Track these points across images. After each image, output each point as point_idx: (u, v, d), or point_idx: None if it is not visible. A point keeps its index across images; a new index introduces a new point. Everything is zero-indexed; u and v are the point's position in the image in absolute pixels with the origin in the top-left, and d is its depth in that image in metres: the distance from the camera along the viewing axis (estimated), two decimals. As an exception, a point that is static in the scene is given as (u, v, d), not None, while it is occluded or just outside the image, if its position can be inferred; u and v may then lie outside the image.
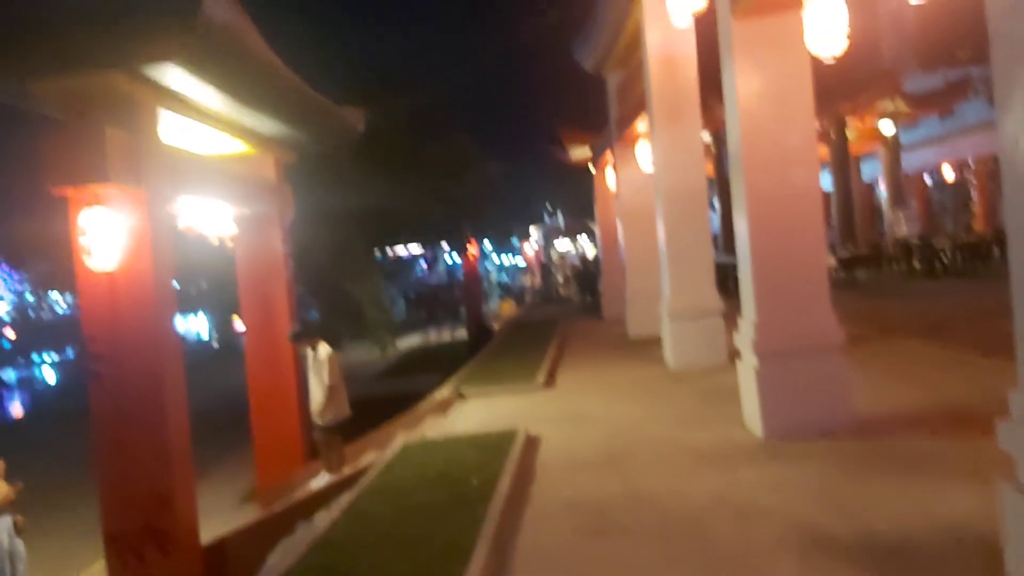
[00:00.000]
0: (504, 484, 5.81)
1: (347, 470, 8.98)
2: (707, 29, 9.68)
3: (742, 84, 6.65)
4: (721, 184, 23.88)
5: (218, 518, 9.08)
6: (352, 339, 17.49)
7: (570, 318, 20.49)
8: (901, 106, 23.28)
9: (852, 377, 6.69)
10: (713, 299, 10.60)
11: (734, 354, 9.00)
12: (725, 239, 23.13)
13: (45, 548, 11.22)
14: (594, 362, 12.22)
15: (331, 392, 8.98)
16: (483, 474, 6.21)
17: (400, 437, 8.97)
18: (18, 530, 8.81)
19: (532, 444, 7.30)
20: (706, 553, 4.40)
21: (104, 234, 6.75)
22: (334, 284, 15.12)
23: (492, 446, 7.11)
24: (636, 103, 12.91)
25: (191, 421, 7.59)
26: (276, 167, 11.25)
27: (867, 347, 9.63)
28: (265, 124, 9.70)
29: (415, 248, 35.27)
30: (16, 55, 6.58)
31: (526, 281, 39.73)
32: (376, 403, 16.54)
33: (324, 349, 9.01)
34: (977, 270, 20.17)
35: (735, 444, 6.58)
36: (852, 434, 6.33)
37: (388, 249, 24.56)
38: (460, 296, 31.35)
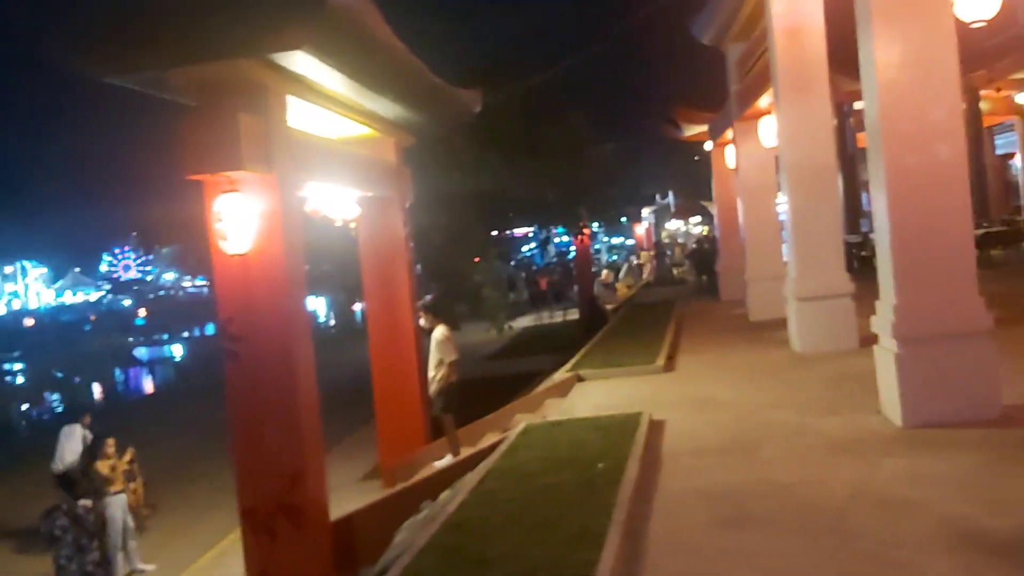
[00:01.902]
0: (632, 469, 5.72)
1: (467, 452, 9.09)
2: (836, -3, 9.28)
3: (881, 54, 6.28)
4: (844, 160, 22.90)
5: (342, 494, 9.33)
6: (469, 319, 17.66)
7: (686, 300, 20.12)
8: (1041, 74, 21.66)
9: (999, 364, 6.28)
10: (843, 279, 10.16)
11: (865, 338, 8.64)
12: (848, 217, 22.20)
13: (176, 520, 11.88)
14: (714, 345, 11.95)
15: (452, 367, 9.19)
16: (609, 458, 6.14)
17: (521, 419, 9.02)
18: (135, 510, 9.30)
19: (657, 428, 7.18)
20: (850, 548, 4.20)
21: (238, 219, 6.96)
22: (452, 265, 15.30)
23: (616, 429, 7.02)
24: (759, 76, 12.48)
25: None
26: (396, 150, 11.40)
27: (1009, 331, 9.00)
28: (387, 108, 9.82)
29: (527, 229, 35.34)
30: (153, 46, 6.84)
31: (640, 264, 39.16)
32: (491, 383, 16.72)
33: (441, 329, 9.15)
34: None
35: (871, 432, 6.29)
36: (998, 424, 5.97)
37: (505, 230, 24.64)
38: (573, 278, 31.29)
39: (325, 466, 7.78)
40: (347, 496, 9.32)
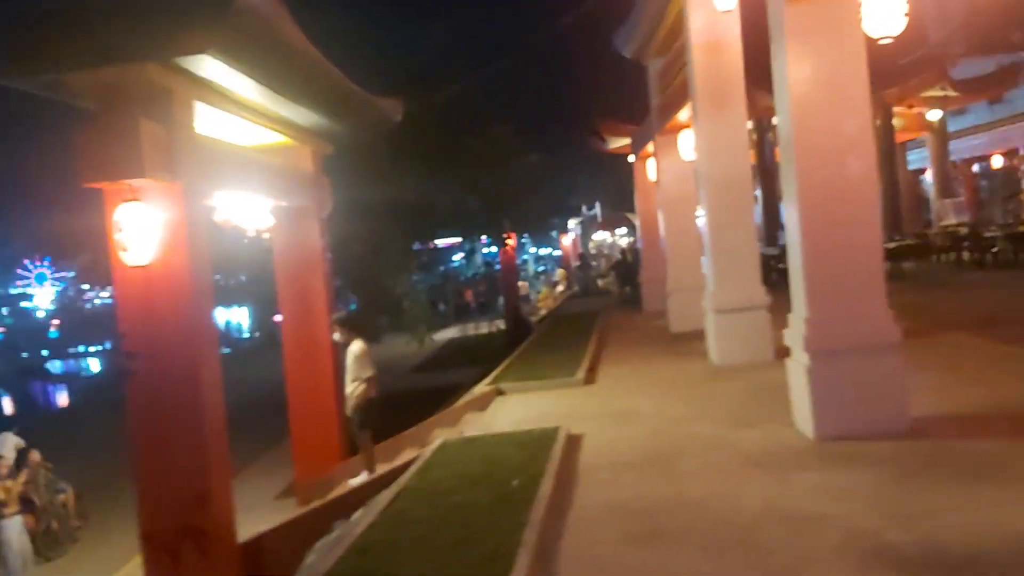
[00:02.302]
0: (546, 486, 5.62)
1: (384, 468, 8.88)
2: (751, 12, 9.41)
3: (794, 69, 6.35)
4: (763, 173, 23.40)
5: (256, 513, 9.03)
6: (389, 332, 17.39)
7: (609, 311, 20.23)
8: (949, 92, 22.57)
9: (908, 377, 6.39)
10: (759, 292, 10.29)
11: (780, 350, 8.73)
12: (767, 230, 22.65)
13: (89, 540, 11.37)
14: (635, 357, 11.98)
15: (370, 382, 8.96)
16: (524, 474, 6.03)
17: (439, 434, 8.86)
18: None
19: (574, 443, 7.10)
20: (762, 565, 4.17)
21: (139, 229, 6.65)
22: (372, 277, 15.04)
23: (533, 445, 6.92)
24: (678, 91, 12.61)
25: (229, 415, 7.51)
26: (313, 159, 11.14)
27: (918, 342, 9.23)
28: (302, 115, 9.58)
29: (451, 240, 35.08)
30: (50, 46, 6.50)
31: (556, 281, 39.05)
32: (414, 396, 16.51)
33: (358, 343, 8.93)
34: (1029, 261, 19.52)
35: (785, 445, 6.32)
36: (908, 436, 6.04)
37: (427, 242, 24.39)
38: (496, 289, 31.18)
39: (231, 487, 7.50)
40: (262, 515, 8.99)
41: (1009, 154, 30.64)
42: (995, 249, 19.62)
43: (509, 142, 20.87)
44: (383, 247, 14.82)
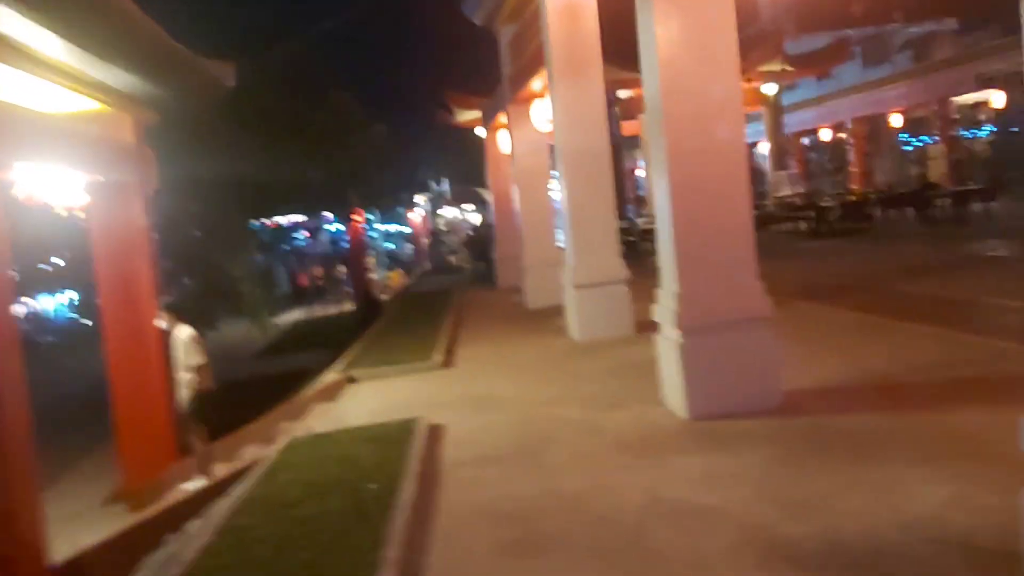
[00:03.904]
0: (407, 490, 5.03)
1: (223, 469, 8.05)
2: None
3: (661, 30, 5.97)
4: (611, 147, 23.49)
5: (81, 523, 8.03)
6: (228, 317, 16.12)
7: (463, 288, 19.76)
8: (785, 67, 23.34)
9: (779, 351, 6.21)
10: (618, 266, 10.05)
11: (640, 323, 8.51)
12: (616, 203, 22.79)
13: None
14: (494, 336, 11.52)
15: (202, 372, 8.00)
16: (382, 475, 5.42)
17: (285, 432, 8.10)
18: None
19: (435, 435, 6.54)
20: (651, 570, 3.76)
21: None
22: (206, 258, 13.79)
23: (390, 439, 6.32)
24: (532, 58, 12.16)
25: (53, 411, 6.48)
26: (135, 129, 9.96)
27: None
28: (116, 77, 8.44)
29: (296, 217, 33.43)
30: None
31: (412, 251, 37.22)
32: (257, 384, 15.44)
33: (185, 330, 7.98)
34: (861, 229, 20.52)
35: (658, 427, 6.00)
36: (782, 413, 5.85)
37: (267, 219, 22.97)
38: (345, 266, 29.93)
39: (41, 502, 6.49)
40: (88, 524, 7.98)
41: (836, 127, 32.31)
42: (831, 218, 20.49)
43: (353, 112, 19.82)
44: (218, 226, 13.62)
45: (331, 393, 9.30)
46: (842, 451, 4.95)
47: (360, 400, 8.63)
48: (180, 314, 8.37)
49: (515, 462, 5.67)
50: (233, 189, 14.17)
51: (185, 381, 8.09)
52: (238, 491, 5.79)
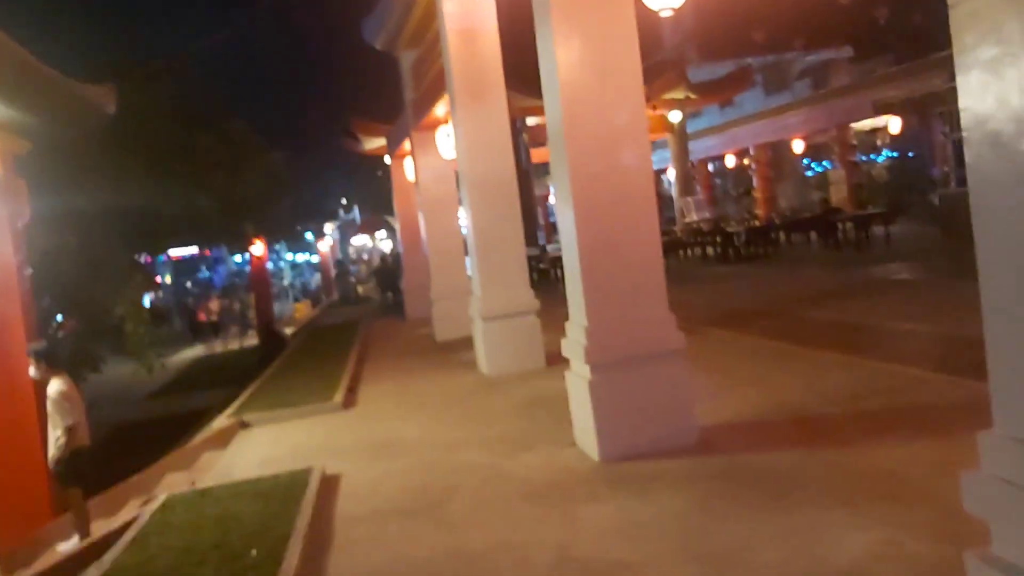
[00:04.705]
0: (293, 555, 4.51)
1: (103, 528, 7.30)
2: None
3: (562, 50, 5.66)
4: (520, 174, 23.34)
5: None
6: (115, 357, 15.10)
7: (371, 320, 19.19)
8: (690, 95, 23.68)
9: (694, 385, 5.93)
10: (527, 296, 9.71)
11: (551, 355, 8.17)
12: (526, 230, 22.61)
13: None
14: (399, 372, 11.02)
15: (72, 432, 7.21)
16: (267, 538, 4.88)
17: (169, 486, 7.44)
18: None
19: (329, 487, 6.01)
20: (562, 647, 3.35)
21: None
22: (87, 296, 12.83)
23: (279, 495, 5.76)
24: (434, 83, 11.82)
25: None
26: (2, 158, 9.21)
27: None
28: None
29: (193, 250, 32.03)
30: None
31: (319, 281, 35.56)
32: (147, 428, 14.55)
33: (56, 384, 7.18)
34: (767, 254, 20.83)
35: (569, 471, 5.62)
36: (698, 451, 5.55)
37: (157, 252, 21.82)
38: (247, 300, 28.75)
39: None
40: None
41: (740, 154, 33.01)
42: (738, 244, 20.73)
43: (247, 139, 19.02)
44: (100, 260, 12.70)
45: (222, 439, 8.64)
46: (761, 494, 4.65)
47: (252, 447, 8.01)
48: (53, 361, 7.56)
49: (415, 516, 5.20)
50: (117, 221, 13.29)
51: (53, 441, 7.29)
52: (101, 561, 5.15)
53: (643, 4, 7.49)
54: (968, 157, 2.15)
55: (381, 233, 45.88)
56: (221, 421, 9.29)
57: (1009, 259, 2.07)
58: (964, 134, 2.17)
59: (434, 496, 5.53)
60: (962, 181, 18.20)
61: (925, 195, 22.50)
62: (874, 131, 28.48)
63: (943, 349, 7.77)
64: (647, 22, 6.03)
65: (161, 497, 6.30)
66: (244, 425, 8.83)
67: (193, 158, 15.85)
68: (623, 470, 5.40)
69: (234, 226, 20.23)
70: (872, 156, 29.64)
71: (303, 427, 8.41)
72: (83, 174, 11.87)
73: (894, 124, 24.82)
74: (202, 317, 29.84)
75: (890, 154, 28.38)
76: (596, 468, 5.58)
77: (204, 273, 54.31)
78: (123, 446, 12.55)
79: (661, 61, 24.09)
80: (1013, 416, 2.17)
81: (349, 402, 9.22)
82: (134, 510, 7.19)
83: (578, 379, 5.90)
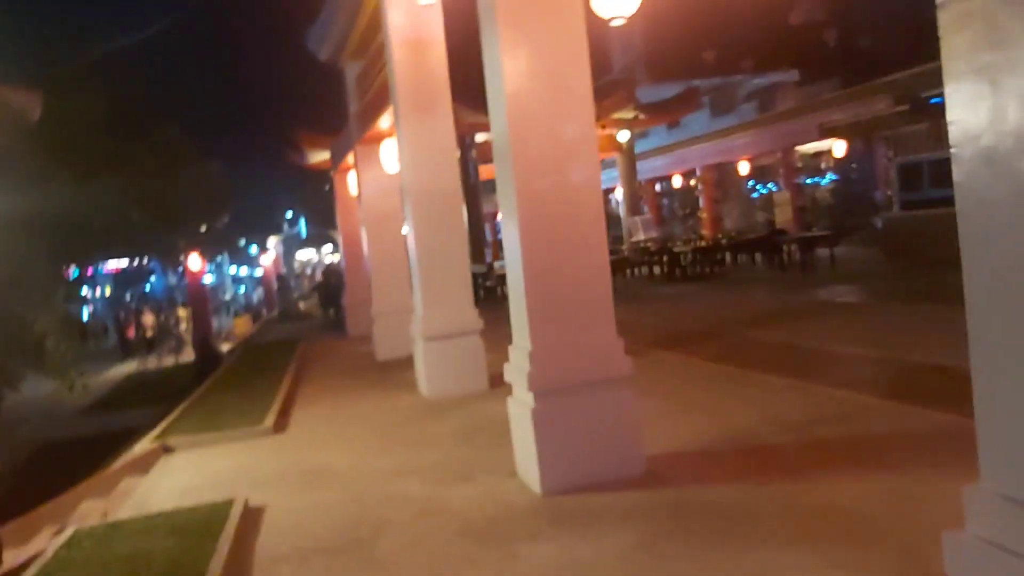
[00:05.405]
0: (203, 603, 4.10)
1: (12, 558, 6.78)
2: (455, 6, 8.51)
3: (508, 59, 5.38)
4: (467, 191, 23.08)
5: None
6: (36, 375, 14.33)
7: (311, 337, 18.66)
8: (639, 115, 23.68)
9: (641, 413, 5.65)
10: (471, 315, 9.38)
11: (494, 377, 7.87)
12: (473, 247, 22.32)
13: None
14: (337, 392, 10.59)
15: None
16: (178, 581, 4.46)
17: (85, 514, 6.91)
18: None
19: (252, 521, 5.58)
20: None
21: None
22: (5, 311, 12.11)
23: (196, 530, 5.31)
24: (378, 95, 11.47)
25: None
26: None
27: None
28: None
29: (135, 261, 30.93)
30: None
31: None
32: (75, 446, 13.91)
33: None
34: (713, 274, 20.85)
35: (509, 505, 5.29)
36: (645, 484, 5.27)
37: (85, 265, 20.94)
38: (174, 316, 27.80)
39: None
40: None
41: (687, 174, 33.22)
42: (684, 263, 20.72)
43: (183, 148, 18.35)
44: (20, 272, 11.99)
45: (144, 464, 8.11)
46: (710, 532, 4.37)
47: (174, 474, 7.51)
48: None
49: (343, 555, 4.81)
50: (41, 232, 12.60)
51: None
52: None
53: (593, 22, 7.29)
54: (957, 175, 1.90)
55: (328, 247, 45.21)
56: (144, 444, 8.76)
57: (1006, 288, 1.82)
58: (953, 150, 1.91)
59: (364, 532, 5.15)
60: (905, 205, 18.41)
61: (868, 218, 22.80)
62: (819, 154, 28.88)
63: (892, 375, 7.66)
64: (597, 43, 5.81)
65: (69, 531, 5.79)
66: (167, 449, 8.31)
67: (125, 167, 15.20)
68: (566, 504, 5.09)
69: (167, 238, 19.50)
70: (817, 179, 30.04)
71: (230, 452, 7.93)
72: (2, 181, 11.22)
73: (839, 147, 25.16)
74: (130, 333, 28.74)
75: (834, 177, 28.78)
76: (538, 502, 5.26)
77: (146, 286, 52.85)
78: (47, 466, 11.97)
79: (611, 80, 24.12)
80: (1004, 471, 1.91)
81: (280, 425, 8.76)
82: (46, 540, 6.69)
83: (520, 406, 5.59)
